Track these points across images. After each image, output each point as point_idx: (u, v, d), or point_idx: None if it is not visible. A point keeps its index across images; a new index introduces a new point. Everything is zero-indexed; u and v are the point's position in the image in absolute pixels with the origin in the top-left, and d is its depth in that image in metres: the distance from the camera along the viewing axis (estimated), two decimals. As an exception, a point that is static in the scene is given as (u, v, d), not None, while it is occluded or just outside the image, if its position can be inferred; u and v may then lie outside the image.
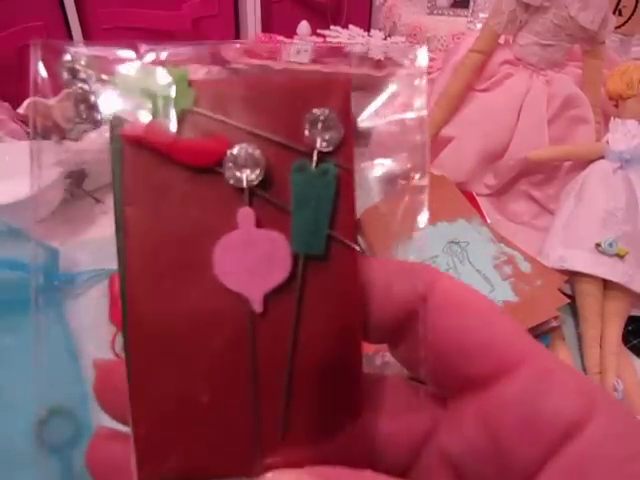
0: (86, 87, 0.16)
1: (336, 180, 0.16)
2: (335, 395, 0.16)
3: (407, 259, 0.18)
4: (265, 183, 0.16)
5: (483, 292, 0.17)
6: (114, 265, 0.16)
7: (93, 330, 0.52)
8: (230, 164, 0.16)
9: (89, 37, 0.94)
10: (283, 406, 0.16)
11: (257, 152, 0.16)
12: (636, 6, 0.91)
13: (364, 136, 0.18)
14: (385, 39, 0.80)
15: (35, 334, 0.18)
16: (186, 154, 0.16)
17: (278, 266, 0.16)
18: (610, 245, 0.54)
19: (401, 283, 0.17)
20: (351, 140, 0.17)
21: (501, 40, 0.69)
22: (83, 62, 0.16)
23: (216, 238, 0.16)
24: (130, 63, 0.16)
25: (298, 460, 0.16)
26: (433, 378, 0.17)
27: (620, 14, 0.91)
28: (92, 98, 0.16)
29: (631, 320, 0.56)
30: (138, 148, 0.16)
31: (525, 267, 0.54)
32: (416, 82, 0.18)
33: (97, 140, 0.60)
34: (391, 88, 0.19)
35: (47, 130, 0.18)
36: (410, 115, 0.18)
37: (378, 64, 0.64)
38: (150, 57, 0.17)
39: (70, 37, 0.92)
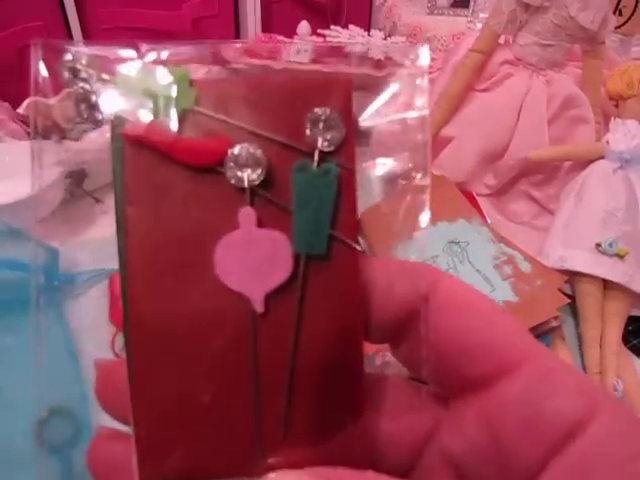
0: (87, 87, 0.16)
1: (337, 180, 0.16)
2: (336, 395, 0.16)
3: (408, 259, 0.18)
4: (266, 183, 0.16)
5: (483, 292, 0.17)
6: (114, 265, 0.16)
7: (93, 330, 0.52)
8: (231, 164, 0.16)
9: (89, 37, 0.94)
10: (284, 406, 0.16)
11: (258, 152, 0.16)
12: (636, 6, 0.91)
13: (365, 135, 0.18)
14: (385, 39, 0.80)
15: (35, 334, 0.18)
16: (187, 154, 0.16)
17: (279, 266, 0.16)
18: (610, 245, 0.54)
19: (402, 283, 0.17)
20: (352, 140, 0.17)
21: (501, 40, 0.69)
22: (84, 62, 0.16)
23: (217, 238, 0.16)
24: (131, 63, 0.16)
25: (299, 460, 0.16)
26: (435, 378, 0.17)
27: (620, 14, 0.91)
28: (93, 98, 0.16)
29: (631, 320, 0.56)
30: (139, 148, 0.16)
31: (525, 267, 0.54)
32: (418, 81, 0.18)
33: (97, 140, 0.60)
34: (392, 87, 0.19)
35: (47, 130, 0.18)
36: (412, 114, 0.18)
37: (378, 64, 0.64)
38: (151, 56, 0.17)
39: (70, 37, 0.92)
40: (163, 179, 0.16)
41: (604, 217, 0.56)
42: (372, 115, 0.19)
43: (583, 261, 0.55)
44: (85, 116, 0.16)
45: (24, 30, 0.86)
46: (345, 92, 0.17)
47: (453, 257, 0.55)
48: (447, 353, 0.17)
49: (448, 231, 0.57)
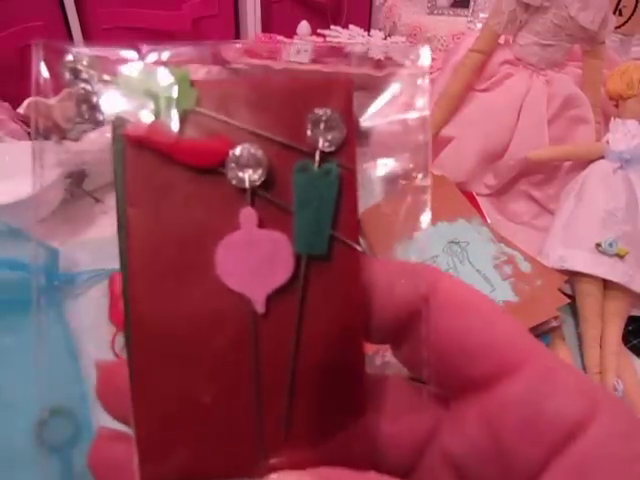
0: (88, 87, 0.16)
1: (338, 180, 0.16)
2: (337, 395, 0.16)
3: (408, 259, 0.18)
4: (267, 183, 0.16)
5: (483, 292, 0.17)
6: (114, 265, 0.16)
7: (93, 330, 0.52)
8: (232, 164, 0.16)
9: (89, 37, 0.94)
10: (286, 406, 0.16)
11: (259, 152, 0.16)
12: (636, 6, 0.91)
13: (366, 136, 0.18)
14: (385, 39, 0.80)
15: (36, 334, 0.18)
16: (188, 154, 0.16)
17: (280, 267, 0.16)
18: (610, 245, 0.54)
19: (403, 284, 0.17)
20: (353, 140, 0.17)
21: (501, 40, 0.69)
22: (85, 62, 0.16)
23: (218, 238, 0.16)
24: (132, 63, 0.16)
25: (301, 461, 0.16)
26: (435, 378, 0.17)
27: (620, 14, 0.91)
28: (94, 99, 0.16)
29: (631, 320, 0.56)
30: (140, 148, 0.16)
31: (525, 267, 0.54)
32: (419, 82, 0.18)
33: (97, 140, 0.60)
34: (393, 88, 0.19)
35: (48, 130, 0.18)
36: (412, 115, 0.18)
37: (378, 64, 0.64)
38: (152, 57, 0.16)
39: (70, 37, 0.92)
40: (164, 180, 0.16)
41: (604, 217, 0.56)
42: (373, 115, 0.19)
43: (583, 261, 0.55)
44: (86, 117, 0.16)
45: (24, 30, 0.86)
46: (346, 92, 0.17)
47: (453, 257, 0.55)
48: (448, 353, 0.17)
49: (448, 231, 0.57)
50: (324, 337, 0.16)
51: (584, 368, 0.52)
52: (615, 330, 0.54)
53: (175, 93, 0.16)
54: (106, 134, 0.16)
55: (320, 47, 0.57)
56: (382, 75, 0.19)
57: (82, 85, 0.16)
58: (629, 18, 0.92)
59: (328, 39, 0.77)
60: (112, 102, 0.16)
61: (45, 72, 0.16)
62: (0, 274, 0.49)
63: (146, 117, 0.16)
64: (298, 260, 0.16)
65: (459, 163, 0.68)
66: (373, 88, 0.19)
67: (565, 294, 0.53)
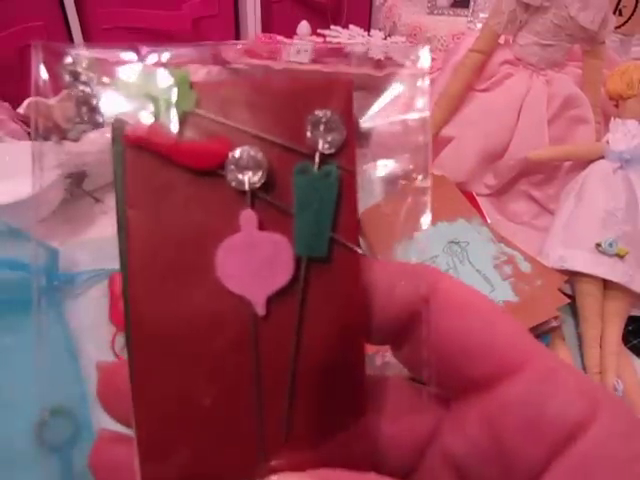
0: (88, 90, 0.16)
1: (338, 182, 0.16)
2: (338, 397, 0.16)
3: (408, 259, 0.18)
4: (267, 185, 0.16)
5: (483, 292, 0.17)
6: (114, 265, 0.16)
7: (93, 330, 0.52)
8: (232, 166, 0.16)
9: (89, 37, 0.94)
10: (286, 408, 0.16)
11: (259, 154, 0.16)
12: (636, 6, 0.91)
13: (366, 137, 0.18)
14: (385, 39, 0.80)
15: (37, 334, 0.18)
16: (188, 156, 0.16)
17: (281, 269, 0.16)
18: (610, 245, 0.54)
19: (403, 285, 0.17)
20: (353, 141, 0.16)
21: (501, 40, 0.69)
22: (84, 65, 0.16)
23: (218, 241, 0.16)
24: (132, 65, 0.16)
25: (301, 462, 0.16)
26: (436, 379, 0.17)
27: (620, 14, 0.91)
28: (94, 101, 0.16)
29: (631, 320, 0.56)
30: (140, 150, 0.16)
31: (525, 267, 0.54)
32: (418, 83, 0.18)
33: (97, 140, 0.60)
34: (393, 88, 0.19)
35: (48, 131, 0.18)
36: (412, 116, 0.18)
37: (378, 64, 0.64)
38: (152, 59, 0.16)
39: (70, 37, 0.92)
40: (164, 182, 0.16)
41: (604, 217, 0.56)
42: (373, 116, 0.19)
43: (583, 261, 0.55)
44: (86, 119, 0.16)
45: (24, 30, 0.86)
46: (346, 94, 0.17)
47: (453, 257, 0.55)
48: (448, 354, 0.17)
49: (448, 231, 0.57)
50: (324, 339, 0.16)
51: (584, 368, 0.52)
52: (615, 330, 0.54)
53: (175, 95, 0.16)
54: (106, 134, 0.16)
55: (320, 47, 0.57)
56: (382, 75, 0.19)
57: (81, 87, 0.16)
58: (629, 18, 0.92)
59: (328, 39, 0.77)
60: (112, 104, 0.16)
61: (44, 74, 0.16)
62: (0, 274, 0.49)
63: (146, 119, 0.16)
64: (298, 262, 0.16)
65: (459, 163, 0.68)
66: (373, 88, 0.19)
67: (565, 294, 0.53)
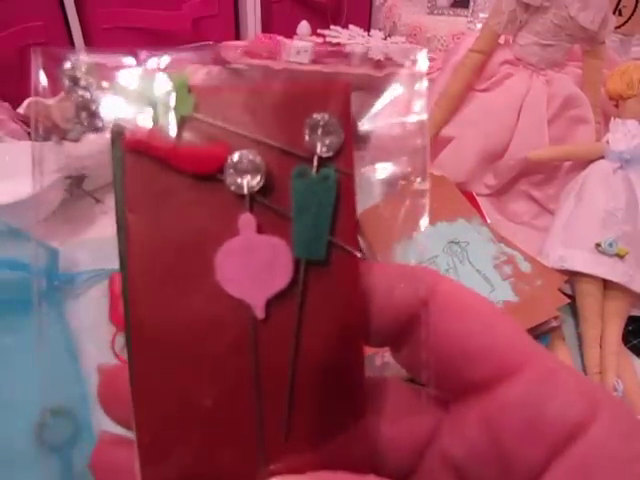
0: (87, 95, 0.16)
1: (337, 185, 0.16)
2: (337, 399, 0.17)
3: (407, 260, 0.19)
4: (266, 189, 0.16)
5: (483, 292, 0.18)
6: (114, 265, 0.16)
7: (93, 330, 0.52)
8: (231, 170, 0.16)
9: (89, 37, 0.94)
10: (286, 411, 0.16)
11: (258, 158, 0.16)
12: (636, 6, 0.91)
13: (364, 139, 0.18)
14: (385, 39, 0.80)
15: (37, 334, 0.18)
16: (187, 161, 0.16)
17: (280, 272, 0.16)
18: (610, 245, 0.54)
19: (402, 287, 0.17)
20: (351, 145, 0.16)
21: (501, 40, 0.69)
22: (84, 69, 0.16)
23: (217, 244, 0.16)
24: (131, 70, 0.16)
25: (301, 465, 0.16)
26: (435, 381, 0.17)
27: (620, 14, 0.91)
28: (93, 106, 0.16)
29: (631, 320, 0.56)
30: (139, 155, 0.16)
31: (525, 267, 0.54)
32: (416, 86, 0.18)
33: (97, 141, 0.60)
34: (391, 89, 0.19)
35: (48, 131, 0.18)
36: (410, 119, 0.18)
37: (378, 64, 0.64)
38: (151, 63, 0.17)
39: (70, 37, 0.92)
40: (163, 186, 0.16)
41: (604, 217, 0.56)
42: (371, 119, 0.19)
43: (583, 261, 0.55)
44: (85, 124, 0.16)
45: (24, 30, 0.86)
46: (344, 97, 0.17)
47: (453, 257, 0.55)
48: (447, 356, 0.17)
49: (448, 231, 0.57)
50: (323, 341, 0.16)
51: (584, 368, 0.52)
52: (615, 330, 0.54)
53: (173, 99, 0.16)
54: (106, 136, 0.16)
55: (320, 47, 0.57)
56: (382, 75, 0.19)
57: (81, 92, 0.16)
58: (629, 18, 0.92)
59: (328, 39, 0.77)
60: (111, 109, 0.16)
61: (44, 79, 0.16)
62: (0, 274, 0.49)
63: (145, 124, 0.16)
64: (297, 265, 0.16)
65: (459, 163, 0.68)
66: (373, 88, 0.19)
67: (565, 294, 0.53)
